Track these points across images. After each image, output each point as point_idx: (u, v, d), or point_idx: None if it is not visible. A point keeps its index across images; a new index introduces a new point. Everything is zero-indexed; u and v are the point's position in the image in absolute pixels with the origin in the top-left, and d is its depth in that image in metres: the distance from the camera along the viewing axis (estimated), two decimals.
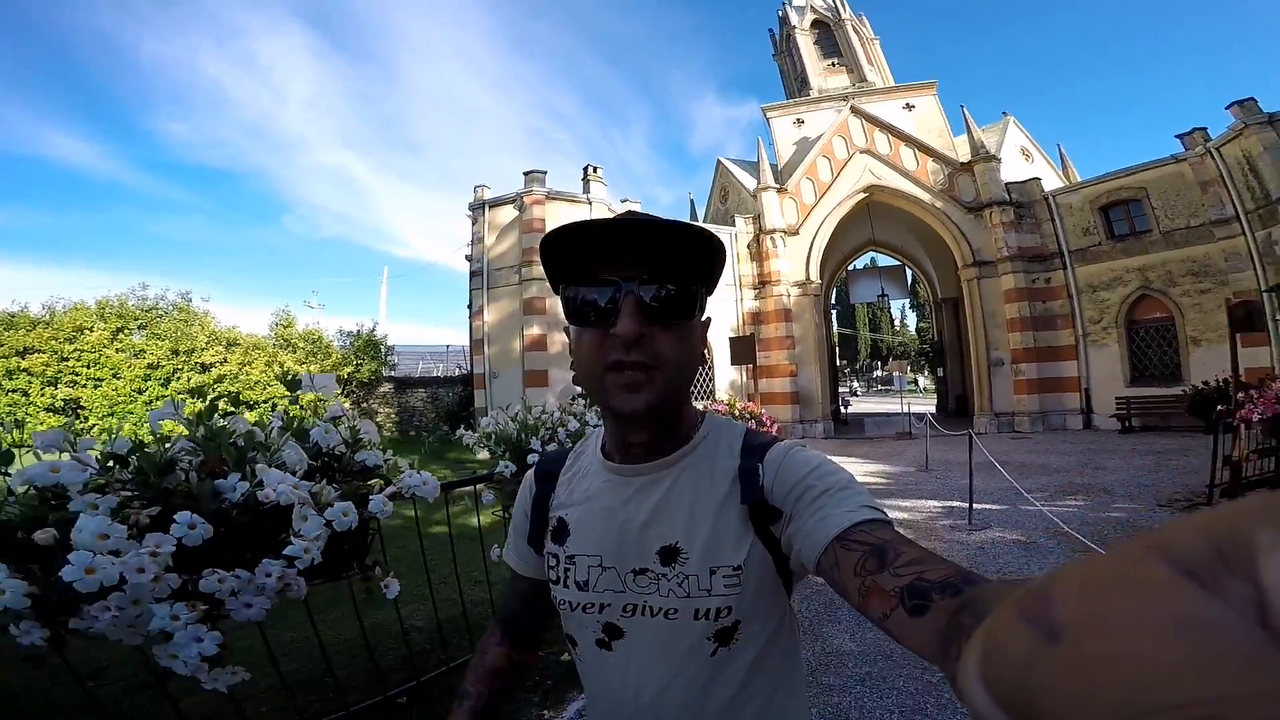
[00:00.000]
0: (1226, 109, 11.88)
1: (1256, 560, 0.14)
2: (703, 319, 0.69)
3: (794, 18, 21.60)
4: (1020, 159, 17.64)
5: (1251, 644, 0.13)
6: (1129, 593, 0.15)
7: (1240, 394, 4.80)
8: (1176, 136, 12.94)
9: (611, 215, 0.65)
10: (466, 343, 16.26)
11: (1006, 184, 14.89)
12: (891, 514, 3.80)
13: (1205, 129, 12.58)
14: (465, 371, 16.44)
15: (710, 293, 0.68)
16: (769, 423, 8.10)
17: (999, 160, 15.19)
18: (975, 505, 5.79)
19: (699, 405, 0.81)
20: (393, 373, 16.61)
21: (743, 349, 13.39)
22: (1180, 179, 12.61)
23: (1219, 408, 5.20)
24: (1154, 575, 0.15)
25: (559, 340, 12.66)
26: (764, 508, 0.64)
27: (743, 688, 0.65)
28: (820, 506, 0.58)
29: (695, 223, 0.66)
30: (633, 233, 0.62)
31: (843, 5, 21.56)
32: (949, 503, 6.44)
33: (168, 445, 1.37)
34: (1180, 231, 12.51)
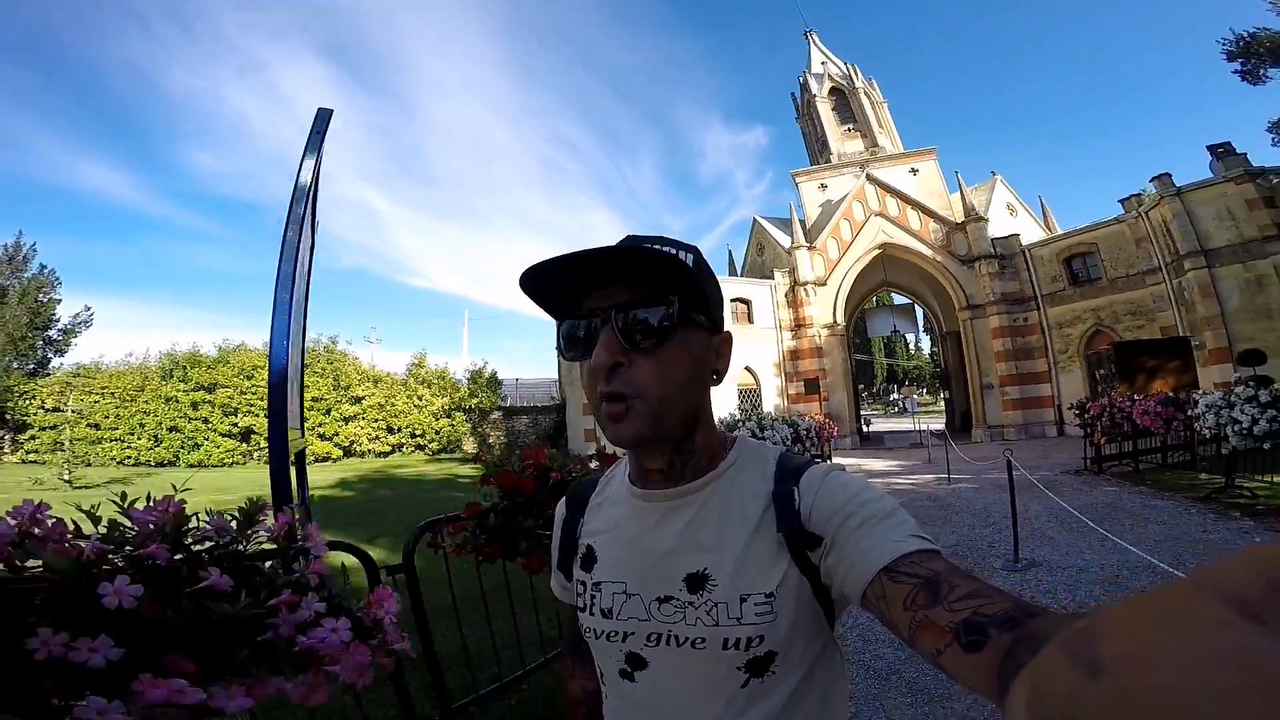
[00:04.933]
0: (1150, 181, 16.90)
1: None
2: (715, 334, 0.72)
3: (814, 85, 26.90)
4: (1006, 214, 22.74)
5: None
6: (1176, 627, 0.16)
7: (1086, 405, 9.61)
8: (1119, 201, 18.01)
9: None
10: (555, 375, 21.28)
11: (993, 239, 19.87)
12: (902, 482, 9.33)
13: (1140, 195, 17.61)
14: (557, 401, 21.34)
15: (710, 308, 0.70)
16: (831, 427, 13.06)
17: (987, 220, 20.23)
18: (953, 475, 10.65)
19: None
20: (501, 403, 21.49)
21: (811, 387, 18.66)
22: (1122, 236, 17.54)
23: (1075, 413, 10.03)
24: (1204, 610, 0.16)
25: None
26: (802, 534, 0.65)
27: None
28: (865, 536, 0.59)
29: (681, 244, 0.69)
30: (605, 261, 0.64)
31: (855, 73, 26.90)
32: (940, 475, 11.27)
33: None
34: (1122, 279, 17.44)
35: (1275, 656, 0.14)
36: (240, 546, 1.14)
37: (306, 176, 3.26)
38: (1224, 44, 19.04)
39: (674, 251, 0.66)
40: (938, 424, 24.65)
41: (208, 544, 1.15)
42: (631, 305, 0.65)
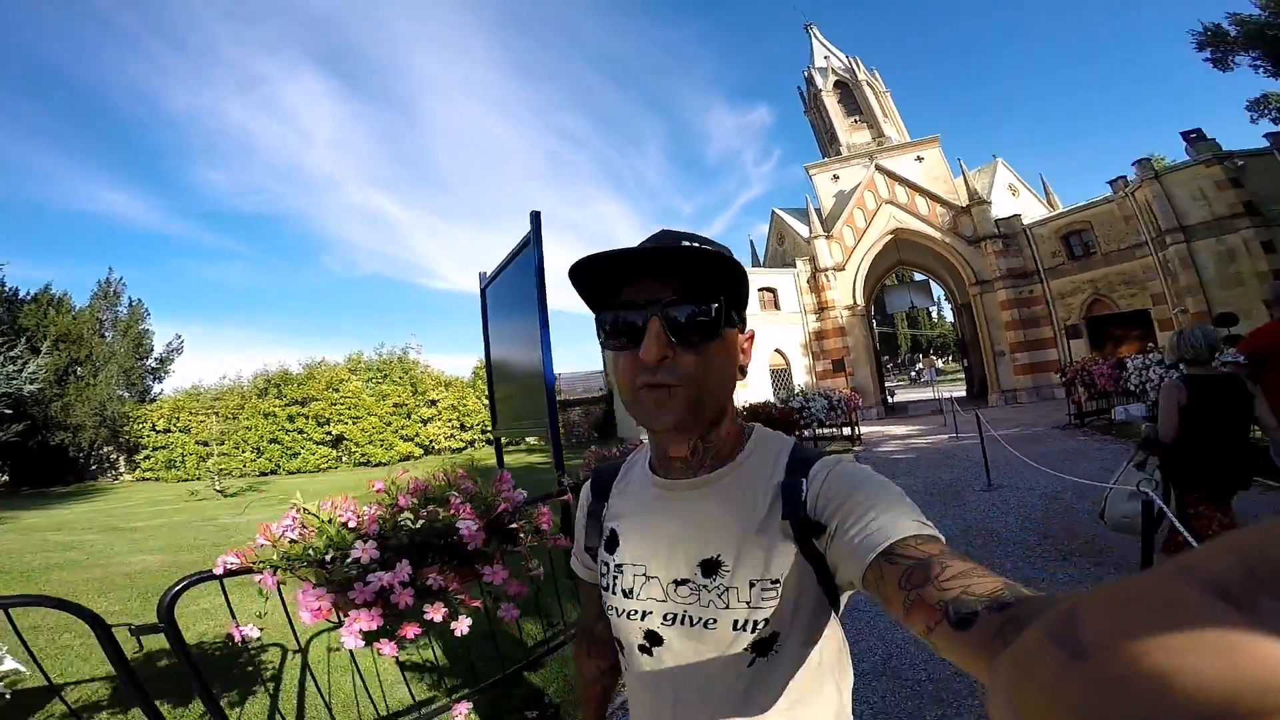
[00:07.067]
0: (1132, 165, 19.26)
1: None
2: (742, 332, 0.79)
3: (818, 80, 29.19)
4: (1008, 195, 25.09)
5: None
6: (1158, 612, 0.17)
7: (1065, 370, 12.20)
8: (1108, 182, 20.33)
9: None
10: (600, 368, 24.20)
11: (996, 220, 22.22)
12: (918, 441, 12.51)
13: (1125, 177, 19.93)
14: (605, 392, 24.24)
15: (742, 307, 0.78)
16: (856, 398, 15.78)
17: (990, 202, 22.61)
18: (959, 433, 13.38)
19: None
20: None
21: (838, 365, 21.42)
22: (1112, 214, 19.86)
23: (1058, 376, 12.63)
24: (1183, 595, 0.17)
25: None
26: (807, 523, 0.71)
27: (779, 699, 0.72)
28: (867, 522, 0.63)
29: (714, 243, 0.74)
30: (655, 256, 0.70)
31: (858, 66, 29.14)
32: (953, 434, 13.96)
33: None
34: (1115, 252, 19.81)
35: (1252, 640, 0.15)
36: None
37: (541, 262, 5.88)
38: (1194, 35, 21.20)
39: (726, 253, 0.71)
40: (960, 391, 27.25)
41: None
42: (680, 301, 0.70)
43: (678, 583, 0.76)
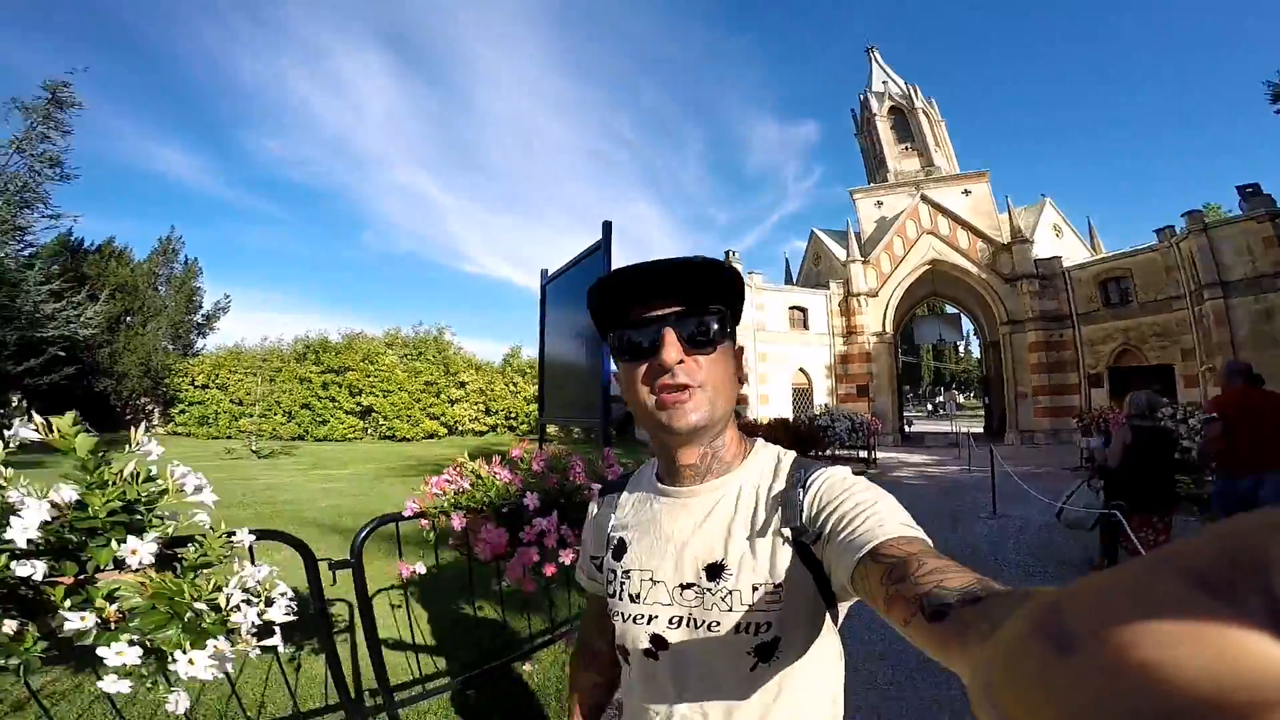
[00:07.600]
0: (1181, 216, 19.33)
1: (1270, 572, 0.15)
2: (735, 347, 0.86)
3: (874, 104, 29.43)
4: (1052, 235, 25.18)
5: (1269, 654, 0.15)
6: (1142, 604, 0.17)
7: (1083, 416, 12.53)
8: (1155, 231, 20.40)
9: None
10: None
11: (1036, 260, 22.39)
12: (933, 470, 13.02)
13: (1173, 227, 20.01)
14: None
15: (737, 321, 0.85)
16: (876, 423, 16.17)
17: (1032, 242, 22.74)
18: (972, 466, 13.77)
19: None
20: None
21: (861, 391, 21.84)
22: (1154, 263, 19.87)
23: (1075, 421, 12.95)
24: (1167, 588, 0.17)
25: None
26: (804, 530, 0.75)
27: (779, 702, 0.76)
28: (856, 525, 0.67)
29: (710, 257, 0.79)
30: (662, 275, 0.78)
31: (915, 93, 29.30)
32: (966, 466, 14.34)
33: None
34: (1151, 303, 19.84)
35: (1236, 633, 0.15)
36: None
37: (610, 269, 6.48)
38: (1268, 85, 21.15)
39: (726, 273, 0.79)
40: (978, 427, 27.39)
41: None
42: (687, 314, 0.79)
43: (683, 587, 0.79)
